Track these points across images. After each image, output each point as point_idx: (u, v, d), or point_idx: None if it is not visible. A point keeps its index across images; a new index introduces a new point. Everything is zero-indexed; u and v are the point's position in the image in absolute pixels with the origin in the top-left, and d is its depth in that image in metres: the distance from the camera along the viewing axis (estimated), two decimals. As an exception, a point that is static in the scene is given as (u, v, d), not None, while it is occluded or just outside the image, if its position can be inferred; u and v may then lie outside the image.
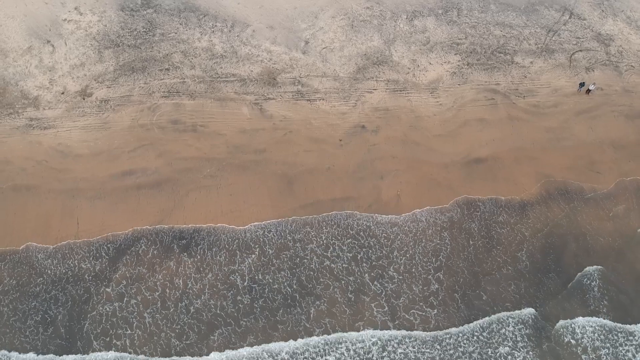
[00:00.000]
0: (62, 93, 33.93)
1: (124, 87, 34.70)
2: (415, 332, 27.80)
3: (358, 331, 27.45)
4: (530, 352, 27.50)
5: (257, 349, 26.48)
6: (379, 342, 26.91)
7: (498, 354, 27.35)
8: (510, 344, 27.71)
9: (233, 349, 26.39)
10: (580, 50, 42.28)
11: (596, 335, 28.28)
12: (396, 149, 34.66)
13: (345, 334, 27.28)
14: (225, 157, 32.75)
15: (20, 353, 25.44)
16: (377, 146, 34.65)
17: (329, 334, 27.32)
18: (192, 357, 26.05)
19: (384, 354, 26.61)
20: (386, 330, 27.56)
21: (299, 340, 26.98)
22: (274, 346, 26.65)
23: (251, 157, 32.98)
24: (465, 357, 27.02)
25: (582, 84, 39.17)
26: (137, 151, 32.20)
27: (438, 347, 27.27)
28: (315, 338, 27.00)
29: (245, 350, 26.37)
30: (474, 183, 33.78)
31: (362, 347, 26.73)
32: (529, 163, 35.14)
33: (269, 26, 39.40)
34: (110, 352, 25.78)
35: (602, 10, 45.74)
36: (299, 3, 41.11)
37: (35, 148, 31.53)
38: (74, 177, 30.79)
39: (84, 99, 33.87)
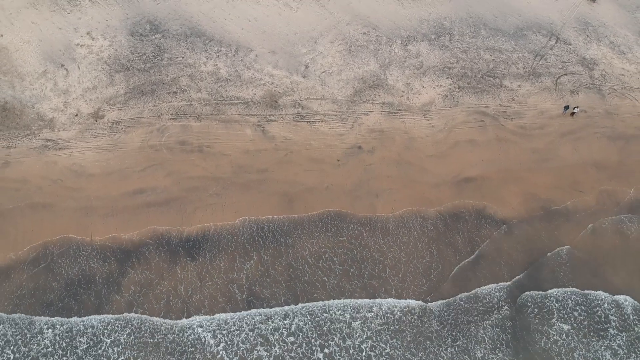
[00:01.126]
0: (76, 115, 35.98)
1: (134, 110, 36.78)
2: (413, 302, 31.38)
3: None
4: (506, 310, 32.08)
5: (232, 314, 29.66)
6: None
7: (483, 313, 31.94)
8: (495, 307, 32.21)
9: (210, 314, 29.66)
10: (566, 74, 44.67)
11: (560, 296, 32.99)
12: (391, 168, 36.77)
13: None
14: (230, 176, 34.77)
15: (43, 316, 28.46)
16: (372, 166, 36.75)
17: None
18: (171, 320, 29.15)
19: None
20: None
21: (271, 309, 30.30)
22: (246, 313, 29.75)
23: (254, 176, 35.01)
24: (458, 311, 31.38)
25: (566, 107, 41.48)
26: (147, 171, 34.19)
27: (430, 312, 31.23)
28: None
29: (221, 316, 29.61)
30: (464, 202, 35.83)
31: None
32: (516, 183, 37.29)
33: (271, 51, 41.65)
34: (130, 314, 28.94)
35: (587, 36, 48.25)
36: (300, 29, 43.42)
37: (50, 168, 33.49)
38: (87, 196, 32.73)
39: (96, 121, 35.91)
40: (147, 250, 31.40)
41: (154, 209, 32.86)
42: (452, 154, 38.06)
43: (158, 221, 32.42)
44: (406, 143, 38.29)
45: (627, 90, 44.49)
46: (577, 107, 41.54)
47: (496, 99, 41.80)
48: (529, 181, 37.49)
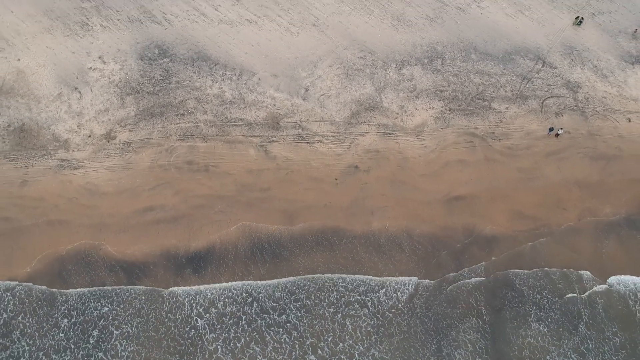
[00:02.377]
0: (89, 136, 38.19)
1: (144, 131, 39.04)
2: (401, 278, 35.24)
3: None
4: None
5: (216, 285, 33.25)
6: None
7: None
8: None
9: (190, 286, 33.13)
10: (551, 97, 47.25)
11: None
12: (385, 187, 39.08)
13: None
14: (234, 194, 37.00)
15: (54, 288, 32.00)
16: (368, 185, 39.05)
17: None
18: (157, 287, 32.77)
19: None
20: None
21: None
22: (227, 285, 33.31)
23: (257, 194, 37.25)
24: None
25: (551, 129, 43.98)
26: (156, 189, 36.38)
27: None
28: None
29: (202, 287, 33.07)
30: (453, 219, 38.17)
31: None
32: (503, 200, 39.65)
33: (273, 74, 44.08)
34: (140, 286, 32.39)
35: (572, 60, 50.92)
36: (300, 53, 45.91)
37: (66, 186, 35.65)
38: (100, 213, 34.88)
39: (108, 142, 38.14)
40: (154, 263, 33.58)
41: (163, 225, 35.03)
42: (443, 174, 40.42)
43: (167, 237, 34.58)
44: (400, 163, 40.64)
45: (609, 112, 47.05)
46: (562, 128, 44.06)
47: (485, 121, 44.28)
48: (515, 199, 39.86)
